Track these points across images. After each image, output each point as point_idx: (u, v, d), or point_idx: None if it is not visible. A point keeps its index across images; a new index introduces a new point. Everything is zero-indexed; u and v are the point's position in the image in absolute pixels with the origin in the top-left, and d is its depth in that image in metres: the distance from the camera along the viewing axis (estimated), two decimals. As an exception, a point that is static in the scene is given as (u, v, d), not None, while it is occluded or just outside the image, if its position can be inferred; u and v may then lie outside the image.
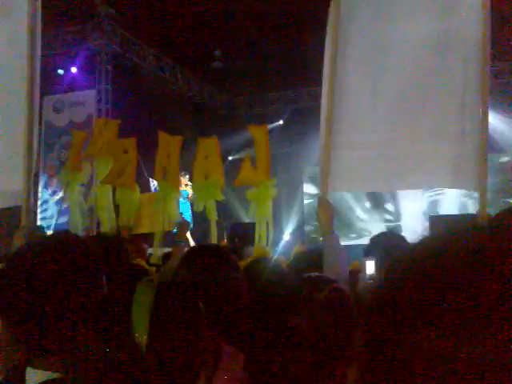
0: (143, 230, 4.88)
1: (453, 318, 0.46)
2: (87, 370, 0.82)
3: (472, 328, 0.46)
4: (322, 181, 2.85)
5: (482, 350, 0.45)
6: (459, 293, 0.47)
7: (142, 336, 0.79)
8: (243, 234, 9.17)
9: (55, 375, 1.13)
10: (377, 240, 2.99)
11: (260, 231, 4.14)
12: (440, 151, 2.87)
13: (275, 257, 3.69)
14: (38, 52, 3.29)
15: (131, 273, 2.08)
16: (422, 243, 0.56)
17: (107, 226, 4.56)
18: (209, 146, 4.58)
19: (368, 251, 2.78)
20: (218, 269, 1.60)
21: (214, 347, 0.88)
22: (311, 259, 2.72)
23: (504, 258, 0.47)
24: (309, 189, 13.23)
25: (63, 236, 1.38)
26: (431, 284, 0.49)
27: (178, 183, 4.59)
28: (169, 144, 4.56)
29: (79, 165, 4.87)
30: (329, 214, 2.69)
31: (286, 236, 11.93)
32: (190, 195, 10.24)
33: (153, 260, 4.18)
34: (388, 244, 2.70)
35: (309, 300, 1.19)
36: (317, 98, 15.34)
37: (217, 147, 4.60)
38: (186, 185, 9.61)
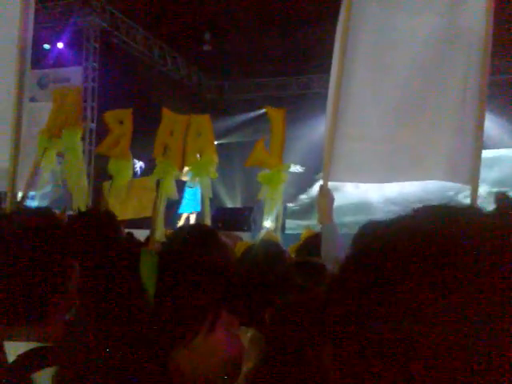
0: (132, 215, 4.85)
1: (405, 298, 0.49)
2: (85, 338, 0.88)
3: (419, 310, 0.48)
4: (324, 170, 2.92)
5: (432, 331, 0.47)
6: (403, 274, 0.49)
7: (150, 294, 0.91)
8: (227, 219, 9.23)
9: (36, 345, 1.15)
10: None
11: (270, 213, 4.19)
12: (438, 145, 2.93)
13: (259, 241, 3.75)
14: (30, 38, 3.24)
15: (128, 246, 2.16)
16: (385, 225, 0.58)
17: (80, 202, 4.53)
18: (201, 124, 4.57)
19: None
20: (204, 244, 1.73)
21: (213, 311, 0.98)
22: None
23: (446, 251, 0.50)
24: (292, 175, 13.27)
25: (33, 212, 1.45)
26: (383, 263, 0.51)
27: (180, 161, 4.56)
28: (173, 122, 4.54)
29: (58, 131, 4.72)
30: (329, 203, 2.74)
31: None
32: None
33: (158, 238, 4.18)
34: None
35: (302, 289, 1.26)
36: (305, 86, 15.27)
37: (209, 125, 4.59)
38: None
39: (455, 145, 2.90)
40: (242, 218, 9.01)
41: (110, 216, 2.27)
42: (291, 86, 13.55)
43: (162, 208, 4.45)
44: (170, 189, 4.42)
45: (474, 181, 2.86)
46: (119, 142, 4.56)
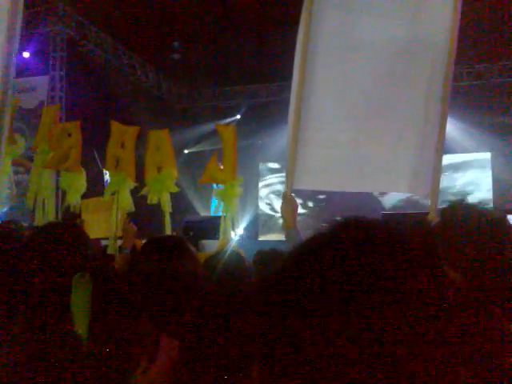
0: (102, 234, 4.74)
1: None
2: (20, 363, 0.83)
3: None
4: (288, 177, 2.91)
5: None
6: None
7: (81, 327, 0.81)
8: (198, 229, 9.19)
9: None
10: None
11: (225, 226, 4.23)
12: (401, 156, 2.93)
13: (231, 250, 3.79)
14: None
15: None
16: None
17: (49, 216, 4.45)
18: (160, 138, 4.54)
19: None
20: (174, 259, 1.63)
21: (153, 339, 0.92)
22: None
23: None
24: (263, 183, 13.31)
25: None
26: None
27: (133, 174, 4.50)
28: (122, 134, 4.47)
29: (12, 137, 4.51)
30: (292, 209, 2.75)
31: (240, 230, 12.02)
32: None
33: (110, 251, 4.13)
34: None
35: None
36: (274, 93, 15.31)
37: (168, 139, 4.56)
38: None
39: (418, 158, 2.91)
40: (213, 227, 8.98)
41: (76, 232, 2.17)
42: (261, 93, 13.60)
43: (117, 221, 4.33)
44: (125, 201, 4.32)
45: (433, 194, 2.86)
46: (69, 155, 4.46)
